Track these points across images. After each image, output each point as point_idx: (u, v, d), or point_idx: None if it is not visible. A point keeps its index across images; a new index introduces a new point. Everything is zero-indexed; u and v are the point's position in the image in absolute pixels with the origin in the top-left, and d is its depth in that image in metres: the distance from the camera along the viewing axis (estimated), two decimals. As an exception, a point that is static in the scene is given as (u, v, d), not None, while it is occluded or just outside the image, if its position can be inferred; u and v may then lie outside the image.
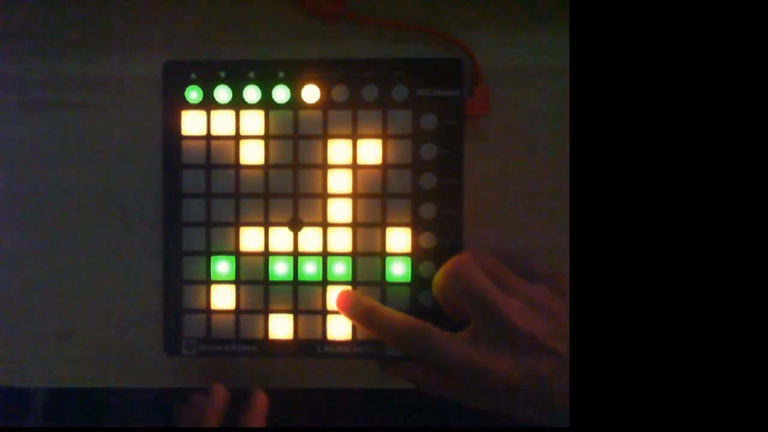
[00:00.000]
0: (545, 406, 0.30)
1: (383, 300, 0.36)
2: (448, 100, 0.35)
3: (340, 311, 0.35)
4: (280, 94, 0.36)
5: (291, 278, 0.36)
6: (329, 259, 0.36)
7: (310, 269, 0.36)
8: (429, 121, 0.36)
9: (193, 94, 0.36)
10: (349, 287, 0.36)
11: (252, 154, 0.36)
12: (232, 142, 0.36)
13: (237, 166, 0.36)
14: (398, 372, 0.34)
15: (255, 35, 0.37)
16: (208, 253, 0.36)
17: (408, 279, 0.36)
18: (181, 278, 0.36)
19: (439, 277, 0.34)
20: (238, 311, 0.36)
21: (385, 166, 0.36)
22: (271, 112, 0.36)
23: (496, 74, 0.37)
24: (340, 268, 0.36)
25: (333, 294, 0.36)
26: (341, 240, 0.36)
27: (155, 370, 0.38)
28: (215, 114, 0.36)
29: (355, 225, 0.36)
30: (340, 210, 0.36)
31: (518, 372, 0.30)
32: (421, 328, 0.32)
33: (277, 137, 0.36)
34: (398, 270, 0.36)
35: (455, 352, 0.31)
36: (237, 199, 0.36)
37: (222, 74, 0.36)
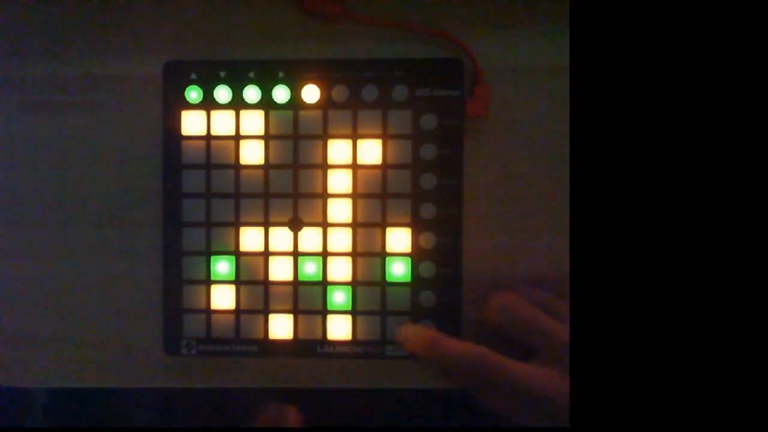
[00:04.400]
0: None
1: (383, 300, 0.36)
2: (448, 100, 0.36)
3: (402, 344, 0.34)
4: (280, 94, 0.36)
5: (291, 278, 0.36)
6: (329, 259, 0.36)
7: (310, 269, 0.36)
8: (429, 121, 0.36)
9: (193, 94, 0.36)
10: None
11: (252, 154, 0.36)
12: (232, 142, 0.36)
13: (237, 166, 0.36)
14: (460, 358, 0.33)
15: (255, 35, 0.37)
16: (208, 253, 0.36)
17: (408, 279, 0.36)
18: (181, 278, 0.36)
19: (489, 315, 0.34)
20: (238, 311, 0.36)
21: (385, 166, 0.36)
22: (271, 112, 0.36)
23: (496, 74, 0.36)
24: (340, 269, 0.36)
25: (333, 294, 0.36)
26: (341, 240, 0.36)
27: (155, 370, 0.38)
28: (215, 114, 0.36)
29: (355, 225, 0.36)
30: (340, 210, 0.36)
31: None
32: (492, 359, 0.32)
33: (277, 137, 0.36)
34: (398, 270, 0.36)
35: (533, 381, 0.31)
36: (237, 199, 0.36)
37: (222, 74, 0.36)
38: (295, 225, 0.36)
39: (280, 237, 0.36)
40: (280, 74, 0.36)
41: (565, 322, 0.33)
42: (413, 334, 0.34)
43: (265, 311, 0.36)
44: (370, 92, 0.36)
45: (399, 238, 0.36)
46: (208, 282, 0.36)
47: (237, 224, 0.36)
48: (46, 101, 0.38)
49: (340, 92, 0.36)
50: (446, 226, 0.36)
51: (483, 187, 0.37)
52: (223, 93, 0.36)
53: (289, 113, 0.36)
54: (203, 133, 0.36)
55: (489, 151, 0.37)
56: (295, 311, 0.36)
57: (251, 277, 0.36)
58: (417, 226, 0.36)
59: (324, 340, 0.36)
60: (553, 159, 0.37)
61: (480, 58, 0.36)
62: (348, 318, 0.36)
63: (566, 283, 0.35)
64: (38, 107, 0.38)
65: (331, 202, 0.36)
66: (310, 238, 0.36)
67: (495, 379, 0.31)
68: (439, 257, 0.36)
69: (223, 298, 0.36)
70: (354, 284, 0.36)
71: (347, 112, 0.36)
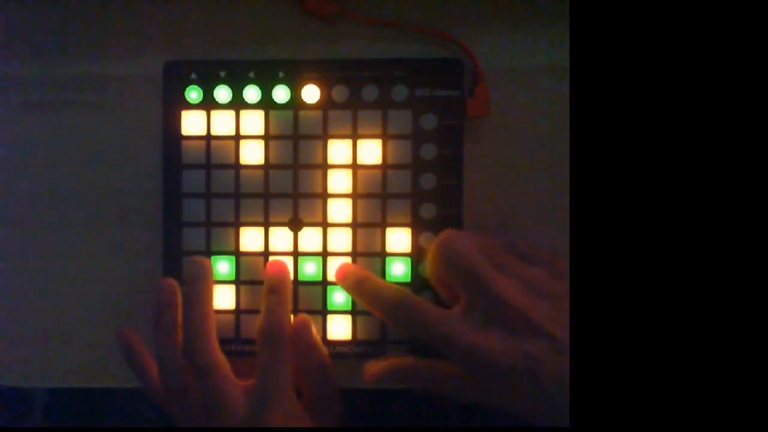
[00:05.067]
0: (539, 393, 0.28)
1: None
2: (448, 100, 0.35)
3: (337, 283, 0.35)
4: (280, 94, 0.36)
5: (291, 278, 0.36)
6: (329, 259, 0.36)
7: (310, 269, 0.36)
8: (429, 121, 0.36)
9: (193, 94, 0.36)
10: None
11: (252, 154, 0.36)
12: (232, 142, 0.36)
13: (237, 166, 0.36)
14: (388, 373, 0.34)
15: (255, 35, 0.37)
16: (208, 253, 0.36)
17: (408, 279, 0.36)
18: (181, 278, 0.36)
19: (431, 252, 0.33)
20: (238, 311, 0.36)
21: (385, 166, 0.36)
22: (271, 112, 0.36)
23: (496, 74, 0.36)
24: (340, 268, 0.36)
25: (333, 294, 0.36)
26: (341, 240, 0.36)
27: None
28: (215, 114, 0.36)
29: (355, 225, 0.36)
30: (340, 210, 0.36)
31: (511, 352, 0.29)
32: (412, 300, 0.32)
33: (277, 137, 0.36)
34: (398, 270, 0.36)
35: (445, 326, 0.30)
36: (237, 199, 0.36)
37: (222, 74, 0.36)
38: (295, 225, 0.36)
39: (280, 237, 0.36)
40: (280, 74, 0.36)
41: (513, 279, 0.31)
42: (346, 271, 0.35)
43: (265, 311, 0.36)
44: (370, 92, 0.36)
45: (399, 238, 0.36)
46: (208, 282, 0.36)
47: (237, 224, 0.36)
48: (46, 101, 0.38)
49: (340, 92, 0.36)
50: (446, 226, 0.36)
51: (483, 187, 0.37)
52: (223, 93, 0.36)
53: (289, 113, 0.36)
54: (203, 133, 0.36)
55: (489, 151, 0.37)
56: (295, 311, 0.36)
57: (251, 277, 0.36)
58: (417, 226, 0.36)
59: (324, 340, 0.36)
60: (553, 159, 0.37)
61: (480, 58, 0.36)
62: (348, 318, 0.36)
63: (531, 245, 0.34)
64: (38, 107, 0.38)
65: (331, 202, 0.36)
66: (310, 238, 0.36)
67: (411, 321, 0.31)
68: (439, 257, 0.36)
69: (223, 298, 0.36)
70: (354, 284, 0.36)
71: (347, 112, 0.36)
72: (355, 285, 0.34)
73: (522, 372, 0.28)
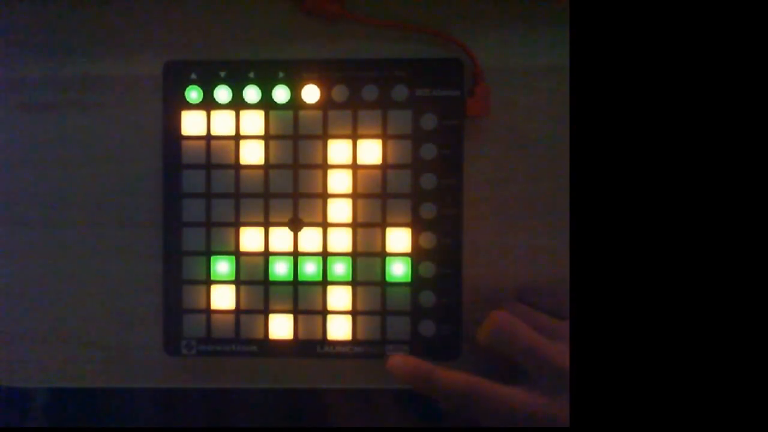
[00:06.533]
0: None
1: (383, 300, 0.36)
2: (448, 100, 0.36)
3: (392, 376, 0.33)
4: (280, 94, 0.36)
5: (291, 278, 0.36)
6: (329, 259, 0.36)
7: (310, 269, 0.36)
8: (429, 121, 0.36)
9: (193, 94, 0.36)
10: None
11: (252, 154, 0.36)
12: (232, 142, 0.36)
13: (237, 166, 0.36)
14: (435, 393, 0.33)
15: (255, 35, 0.38)
16: (208, 253, 0.36)
17: (408, 279, 0.36)
18: (181, 278, 0.36)
19: (482, 336, 0.33)
20: (238, 311, 0.36)
21: (385, 166, 0.36)
22: (271, 112, 0.36)
23: (496, 74, 0.37)
24: (340, 268, 0.36)
25: (333, 294, 0.36)
26: (341, 240, 0.36)
27: (155, 370, 0.38)
28: (215, 114, 0.36)
29: (355, 225, 0.36)
30: (340, 210, 0.36)
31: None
32: (485, 386, 0.32)
33: (277, 137, 0.36)
34: (398, 270, 0.36)
35: (519, 406, 0.31)
36: (237, 199, 0.36)
37: (222, 74, 0.36)
38: (295, 225, 0.36)
39: (280, 237, 0.36)
40: (280, 74, 0.36)
41: (562, 343, 0.32)
42: (404, 365, 0.33)
43: (265, 311, 0.36)
44: (370, 92, 0.36)
45: (399, 238, 0.36)
46: (208, 282, 0.36)
47: (237, 224, 0.36)
48: (46, 101, 0.38)
49: (340, 92, 0.36)
50: (446, 226, 0.36)
51: (483, 187, 0.37)
52: (223, 93, 0.36)
53: (289, 113, 0.36)
54: (203, 133, 0.36)
55: (489, 151, 0.37)
56: (295, 311, 0.36)
57: (251, 277, 0.36)
58: (417, 226, 0.36)
59: (324, 340, 0.36)
60: (553, 159, 0.37)
61: (480, 58, 0.36)
62: (348, 318, 0.36)
63: (565, 291, 0.34)
64: (38, 107, 0.38)
65: (331, 202, 0.36)
66: (310, 238, 0.36)
67: (487, 408, 0.31)
68: (439, 257, 0.36)
69: (223, 298, 0.36)
70: (354, 284, 0.36)
71: (347, 112, 0.36)
72: (421, 381, 0.33)
73: None
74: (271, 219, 0.36)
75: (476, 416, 0.32)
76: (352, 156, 0.36)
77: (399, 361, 0.33)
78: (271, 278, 0.36)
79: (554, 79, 0.37)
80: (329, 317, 0.36)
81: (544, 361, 0.31)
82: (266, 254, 0.36)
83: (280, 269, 0.36)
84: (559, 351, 0.32)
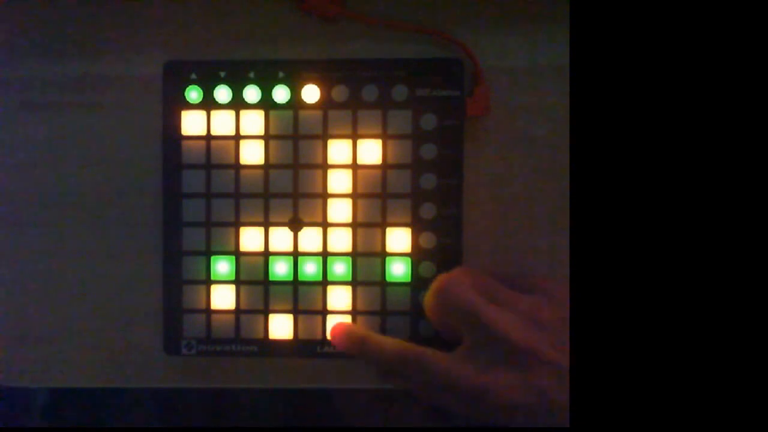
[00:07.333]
0: (547, 421, 0.29)
1: (383, 300, 0.36)
2: (448, 100, 0.35)
3: (333, 343, 0.35)
4: (280, 94, 0.36)
5: (291, 278, 0.36)
6: (329, 259, 0.36)
7: (310, 269, 0.36)
8: (429, 121, 0.36)
9: (193, 94, 0.36)
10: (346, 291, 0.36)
11: (252, 154, 0.36)
12: (232, 142, 0.36)
13: (237, 166, 0.36)
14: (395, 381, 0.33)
15: (255, 35, 0.37)
16: (208, 253, 0.36)
17: (408, 279, 0.36)
18: (181, 278, 0.36)
19: (429, 298, 0.33)
20: (238, 311, 0.36)
21: (385, 166, 0.36)
22: (271, 112, 0.36)
23: (496, 74, 0.36)
24: (340, 268, 0.36)
25: (333, 294, 0.36)
26: (341, 240, 0.36)
27: (155, 370, 0.38)
28: (215, 114, 0.36)
29: (355, 225, 0.36)
30: (340, 210, 0.36)
31: (518, 387, 0.29)
32: (414, 352, 0.31)
33: (277, 137, 0.36)
34: (398, 270, 0.36)
35: (451, 373, 0.30)
36: (237, 199, 0.36)
37: (222, 74, 0.36)
38: (295, 225, 0.36)
39: (280, 237, 0.36)
40: (280, 74, 0.36)
41: (512, 313, 0.30)
42: (341, 332, 0.34)
43: (265, 311, 0.36)
44: (370, 92, 0.36)
45: (399, 238, 0.36)
46: (208, 282, 0.36)
47: (237, 224, 0.36)
48: (46, 101, 0.38)
49: (340, 92, 0.36)
50: (446, 226, 0.36)
51: (483, 187, 0.37)
52: (223, 93, 0.36)
53: (289, 113, 0.36)
54: (203, 133, 0.36)
55: (489, 151, 0.37)
56: (295, 311, 0.36)
57: (251, 277, 0.36)
58: (417, 226, 0.36)
59: (324, 340, 0.36)
60: (553, 159, 0.37)
61: (480, 58, 0.36)
62: (348, 318, 0.36)
63: (525, 275, 0.34)
64: (38, 107, 0.38)
65: (331, 202, 0.36)
66: (310, 238, 0.36)
67: (419, 375, 0.31)
68: (439, 257, 0.36)
69: (223, 298, 0.36)
70: (354, 284, 0.36)
71: (347, 112, 0.36)
72: (354, 347, 0.34)
73: (531, 404, 0.29)
74: (271, 219, 0.36)
75: (413, 385, 0.32)
76: (352, 156, 0.36)
77: (337, 328, 0.35)
78: (271, 278, 0.36)
79: (554, 79, 0.37)
80: (329, 317, 0.36)
81: (485, 328, 0.30)
82: (266, 254, 0.36)
83: (280, 269, 0.36)
84: (503, 320, 0.30)
